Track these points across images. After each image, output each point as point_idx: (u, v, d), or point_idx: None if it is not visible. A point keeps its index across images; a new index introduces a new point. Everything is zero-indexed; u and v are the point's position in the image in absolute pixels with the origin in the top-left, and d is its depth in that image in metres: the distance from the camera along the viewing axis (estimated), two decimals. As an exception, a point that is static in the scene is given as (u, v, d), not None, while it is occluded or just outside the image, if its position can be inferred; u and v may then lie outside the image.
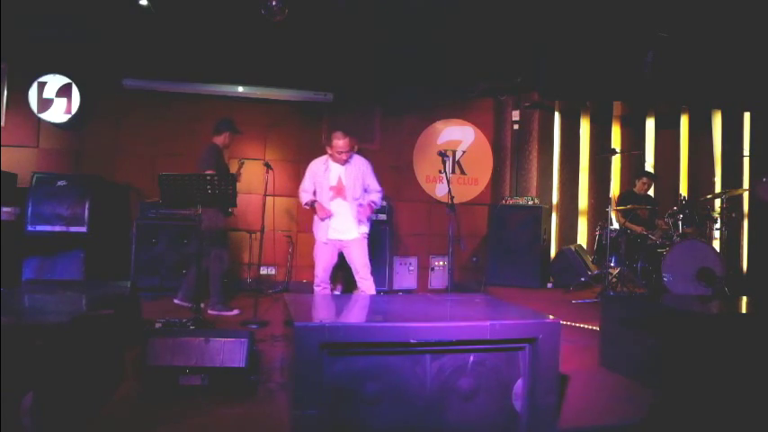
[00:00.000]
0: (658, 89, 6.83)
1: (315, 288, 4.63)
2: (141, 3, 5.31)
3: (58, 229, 5.46)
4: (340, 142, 4.43)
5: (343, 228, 4.50)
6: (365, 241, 4.57)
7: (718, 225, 6.11)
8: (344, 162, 4.50)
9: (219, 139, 5.13)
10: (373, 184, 4.64)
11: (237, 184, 4.27)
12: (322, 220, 4.54)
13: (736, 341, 2.96)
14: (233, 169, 5.39)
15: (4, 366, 2.05)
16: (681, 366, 3.03)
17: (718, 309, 3.71)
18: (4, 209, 5.29)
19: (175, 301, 5.02)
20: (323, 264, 4.57)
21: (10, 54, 5.99)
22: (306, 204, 4.65)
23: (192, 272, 5.02)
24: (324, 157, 4.61)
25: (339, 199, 4.51)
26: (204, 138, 5.37)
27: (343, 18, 5.73)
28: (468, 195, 7.46)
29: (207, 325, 4.17)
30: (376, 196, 4.64)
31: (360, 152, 5.73)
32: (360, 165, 4.61)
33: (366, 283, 4.52)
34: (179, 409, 2.67)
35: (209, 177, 4.14)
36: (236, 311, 5.02)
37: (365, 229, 4.58)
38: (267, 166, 4.99)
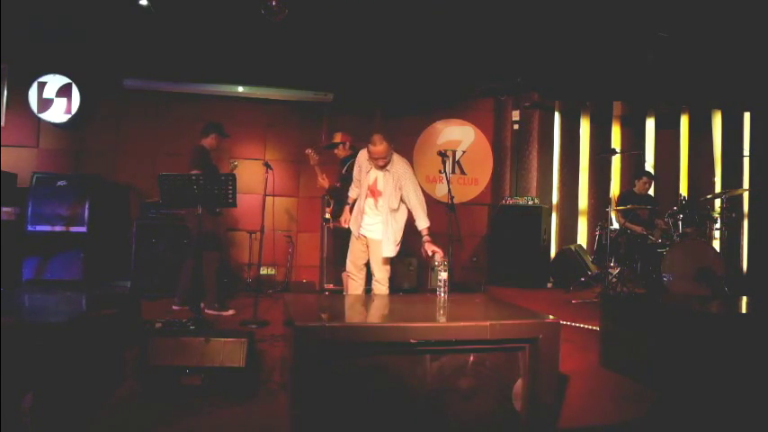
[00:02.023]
0: (658, 89, 6.84)
1: (342, 275, 4.54)
2: (141, 3, 5.31)
3: (58, 228, 5.47)
4: (374, 148, 4.01)
5: (371, 228, 4.28)
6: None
7: (718, 225, 6.11)
8: (381, 168, 4.14)
9: (206, 141, 5.15)
10: (410, 194, 4.14)
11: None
12: (342, 224, 4.51)
13: (736, 341, 2.96)
14: (224, 170, 5.40)
15: (4, 366, 2.05)
16: (681, 366, 3.03)
17: (718, 309, 3.71)
18: (4, 209, 5.29)
19: (174, 307, 5.03)
20: (351, 256, 4.42)
21: (10, 54, 5.99)
22: (348, 202, 4.47)
23: (184, 274, 5.04)
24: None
25: (371, 200, 4.24)
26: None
27: (343, 18, 5.73)
28: (468, 195, 7.46)
29: (207, 325, 4.17)
30: (423, 220, 4.14)
31: (353, 148, 5.58)
32: (398, 170, 4.14)
33: (378, 287, 4.30)
34: (179, 409, 2.67)
35: (193, 177, 4.14)
36: (231, 312, 5.04)
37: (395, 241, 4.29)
38: (267, 165, 4.99)
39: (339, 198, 5.27)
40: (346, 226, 4.46)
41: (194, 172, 4.59)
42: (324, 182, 5.43)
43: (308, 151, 5.37)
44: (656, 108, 7.85)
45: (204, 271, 4.91)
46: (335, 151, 5.50)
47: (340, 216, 4.76)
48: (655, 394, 3.06)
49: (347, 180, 5.14)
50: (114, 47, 6.20)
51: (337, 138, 5.46)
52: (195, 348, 2.85)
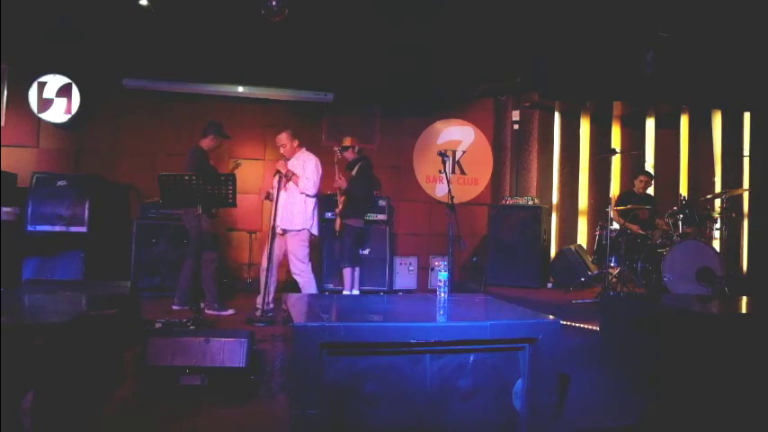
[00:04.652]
0: (658, 89, 6.82)
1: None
2: (141, 3, 5.31)
3: (57, 229, 5.46)
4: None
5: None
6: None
7: (718, 225, 6.11)
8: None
9: (205, 142, 5.16)
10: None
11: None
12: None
13: (736, 341, 2.96)
14: (226, 170, 5.41)
15: (4, 366, 2.05)
16: (681, 366, 3.03)
17: (718, 309, 3.71)
18: (4, 209, 5.28)
19: (174, 307, 5.04)
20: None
21: (10, 54, 5.99)
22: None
23: (184, 274, 5.03)
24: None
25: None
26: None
27: (343, 18, 5.73)
28: (468, 195, 7.46)
29: (207, 325, 4.17)
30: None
31: (360, 152, 5.75)
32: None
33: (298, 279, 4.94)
34: (179, 409, 2.67)
35: (192, 177, 4.12)
36: (231, 312, 5.05)
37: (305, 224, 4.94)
38: (279, 173, 4.96)
39: (351, 199, 5.47)
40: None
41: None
42: (341, 181, 5.52)
43: (337, 149, 5.52)
44: (656, 108, 7.84)
45: (203, 272, 4.92)
46: (345, 154, 5.60)
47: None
48: (654, 394, 3.06)
49: (355, 182, 5.44)
50: (114, 47, 6.19)
51: (347, 141, 5.62)
52: (195, 348, 2.85)
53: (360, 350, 2.32)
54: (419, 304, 3.27)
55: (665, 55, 6.15)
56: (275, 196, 4.77)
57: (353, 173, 5.58)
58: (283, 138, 5.01)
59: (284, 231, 4.87)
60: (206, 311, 4.88)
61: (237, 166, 5.41)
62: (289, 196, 4.86)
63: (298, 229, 4.86)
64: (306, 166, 4.93)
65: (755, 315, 3.49)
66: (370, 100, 7.14)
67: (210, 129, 5.20)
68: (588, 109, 7.78)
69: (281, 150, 5.02)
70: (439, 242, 6.96)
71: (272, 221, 4.78)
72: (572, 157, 7.76)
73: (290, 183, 4.86)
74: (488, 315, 2.86)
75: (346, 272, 5.45)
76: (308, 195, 4.87)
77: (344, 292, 5.47)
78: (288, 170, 4.84)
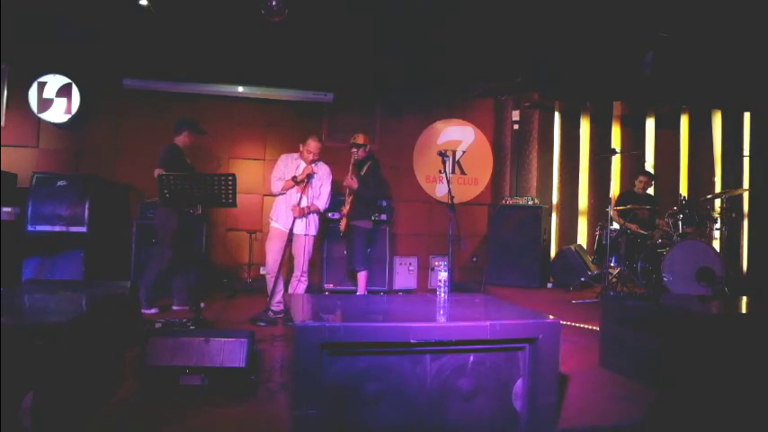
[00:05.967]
0: (658, 89, 6.84)
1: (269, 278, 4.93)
2: (141, 3, 5.32)
3: (58, 229, 5.46)
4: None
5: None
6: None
7: (718, 225, 6.11)
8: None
9: (179, 139, 5.05)
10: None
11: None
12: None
13: (736, 341, 2.96)
14: (209, 169, 5.34)
15: (4, 366, 2.05)
16: (681, 366, 3.03)
17: (718, 309, 3.71)
18: (4, 209, 5.28)
19: (174, 308, 5.03)
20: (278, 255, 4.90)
21: (10, 54, 5.99)
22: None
23: (176, 273, 5.01)
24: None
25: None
26: (202, 138, 5.38)
27: (343, 18, 5.74)
28: (468, 195, 7.47)
29: (207, 325, 4.18)
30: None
31: (369, 151, 5.60)
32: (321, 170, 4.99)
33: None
34: (179, 409, 2.67)
35: (164, 177, 4.03)
36: (154, 310, 4.86)
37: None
38: (294, 180, 4.92)
39: (360, 200, 5.39)
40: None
41: (158, 171, 4.47)
42: (353, 182, 5.34)
43: (354, 149, 5.39)
44: (656, 108, 7.85)
45: (150, 265, 4.86)
46: (355, 151, 5.45)
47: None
48: (655, 394, 3.06)
49: (366, 183, 5.32)
50: (114, 47, 6.20)
51: (360, 139, 5.40)
52: (195, 348, 2.85)
53: (360, 350, 2.32)
54: (419, 304, 3.27)
55: (664, 55, 6.16)
56: (298, 200, 4.78)
57: (363, 172, 5.43)
58: (319, 147, 4.90)
59: (304, 235, 4.88)
60: None
61: (219, 166, 5.35)
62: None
63: (314, 233, 4.99)
64: (323, 185, 4.96)
65: (755, 315, 3.49)
66: (370, 100, 7.15)
67: (184, 126, 5.06)
68: (588, 109, 7.78)
69: (310, 157, 4.83)
70: (439, 242, 6.97)
71: (290, 226, 4.74)
72: (572, 157, 7.76)
73: (308, 187, 4.83)
74: (488, 315, 2.85)
75: (362, 275, 5.37)
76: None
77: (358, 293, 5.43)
78: (312, 205, 4.86)
